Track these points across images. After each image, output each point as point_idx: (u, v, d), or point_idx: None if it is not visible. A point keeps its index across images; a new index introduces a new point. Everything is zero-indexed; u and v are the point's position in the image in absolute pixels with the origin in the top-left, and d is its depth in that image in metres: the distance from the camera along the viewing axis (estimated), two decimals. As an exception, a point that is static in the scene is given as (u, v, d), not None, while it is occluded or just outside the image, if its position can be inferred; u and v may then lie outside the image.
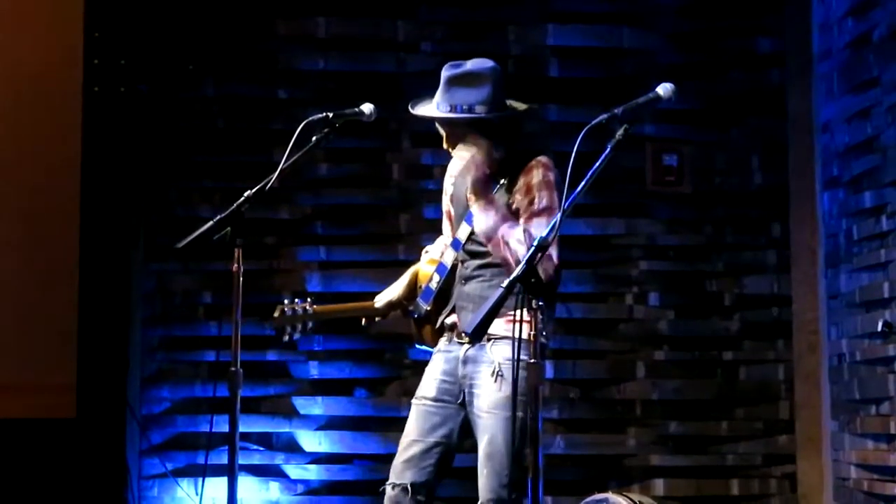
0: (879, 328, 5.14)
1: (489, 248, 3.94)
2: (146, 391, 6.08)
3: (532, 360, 3.22)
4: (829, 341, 6.01)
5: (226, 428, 3.72)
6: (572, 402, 6.14)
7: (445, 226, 4.27)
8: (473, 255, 4.04)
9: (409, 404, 4.13)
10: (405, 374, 6.05)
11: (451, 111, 3.96)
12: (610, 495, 4.77)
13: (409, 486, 3.97)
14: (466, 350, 4.01)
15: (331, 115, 3.94)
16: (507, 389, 3.85)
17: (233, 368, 3.74)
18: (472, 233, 4.04)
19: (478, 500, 3.93)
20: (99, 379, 5.91)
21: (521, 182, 3.96)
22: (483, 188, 3.95)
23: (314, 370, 6.11)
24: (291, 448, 6.08)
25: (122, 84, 6.04)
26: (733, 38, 6.30)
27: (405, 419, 4.12)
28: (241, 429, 3.86)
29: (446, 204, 4.24)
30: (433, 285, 4.13)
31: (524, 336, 3.21)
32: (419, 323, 4.19)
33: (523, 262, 3.18)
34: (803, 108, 6.19)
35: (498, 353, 3.92)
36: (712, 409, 6.18)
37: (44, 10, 5.98)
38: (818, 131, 6.12)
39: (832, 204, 6.00)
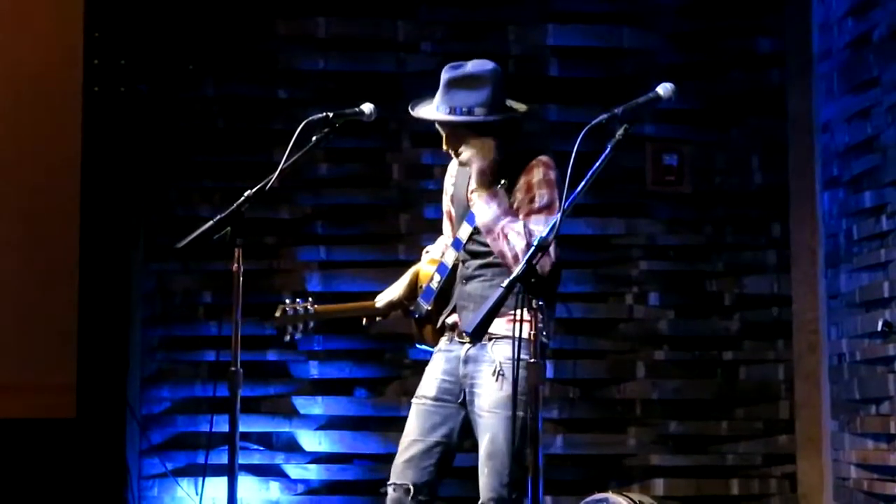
0: (879, 328, 5.15)
1: (488, 240, 3.95)
2: (146, 391, 6.08)
3: (532, 360, 3.22)
4: (829, 341, 6.01)
5: (226, 428, 3.72)
6: (572, 402, 6.14)
7: (446, 226, 4.27)
8: (475, 254, 4.05)
9: (409, 404, 4.13)
10: (405, 374, 6.06)
11: (450, 113, 3.96)
12: (610, 495, 4.77)
13: (410, 487, 3.97)
14: (467, 349, 4.01)
15: (331, 114, 3.94)
16: (508, 389, 3.86)
17: (233, 368, 3.74)
18: (473, 233, 4.04)
19: (478, 499, 3.94)
20: (99, 379, 5.91)
21: (521, 181, 3.96)
22: (488, 179, 3.95)
23: (314, 370, 6.11)
24: (291, 448, 6.08)
25: (122, 84, 6.04)
26: (733, 38, 6.31)
27: (405, 419, 4.12)
28: (242, 428, 3.86)
29: (446, 204, 4.25)
30: (434, 285, 4.13)
31: (525, 335, 3.21)
32: (420, 323, 4.20)
33: (523, 262, 3.18)
34: (803, 108, 6.19)
35: (499, 353, 3.92)
36: (712, 409, 6.18)
37: (44, 10, 5.98)
38: (818, 131, 6.12)
39: (832, 204, 6.00)
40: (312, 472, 6.07)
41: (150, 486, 6.04)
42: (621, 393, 6.17)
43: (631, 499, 4.72)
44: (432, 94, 4.02)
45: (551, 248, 3.72)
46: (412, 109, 4.07)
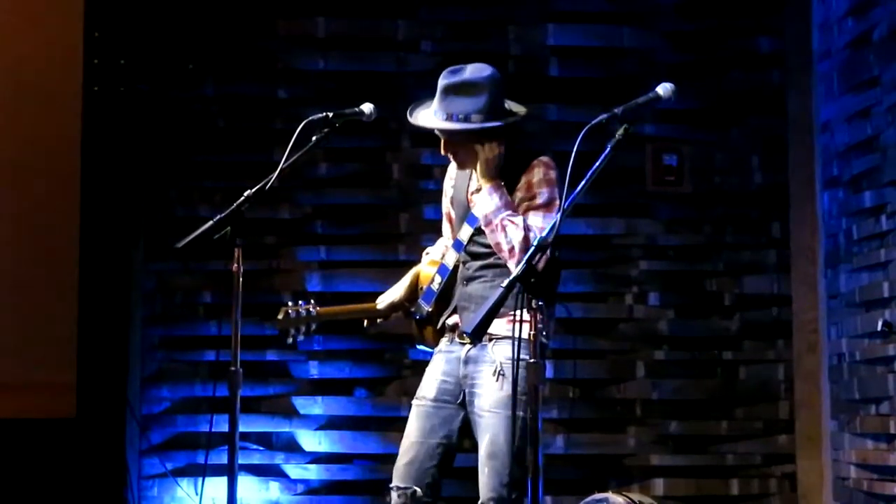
0: (879, 328, 5.14)
1: (486, 231, 3.95)
2: (146, 391, 6.08)
3: (532, 360, 3.22)
4: (828, 341, 6.01)
5: (226, 428, 3.72)
6: (572, 402, 6.14)
7: (445, 228, 4.28)
8: (475, 256, 4.05)
9: (409, 404, 4.13)
10: (405, 374, 6.06)
11: (447, 120, 3.96)
12: (610, 495, 4.77)
13: (414, 491, 3.98)
14: (468, 350, 4.02)
15: (331, 114, 3.94)
16: (507, 389, 3.86)
17: (233, 368, 3.74)
18: (473, 234, 4.05)
19: (478, 499, 3.94)
20: (99, 379, 5.91)
21: (522, 181, 3.97)
22: (493, 171, 3.95)
23: (314, 370, 6.11)
24: (291, 448, 6.09)
25: (122, 84, 6.04)
26: (733, 38, 6.31)
27: (405, 419, 4.12)
28: (241, 428, 3.86)
29: (446, 206, 4.25)
30: (435, 286, 4.14)
31: (525, 336, 3.21)
32: (421, 324, 4.20)
33: (523, 262, 3.18)
34: (803, 107, 6.19)
35: (499, 353, 3.92)
36: (712, 409, 6.18)
37: (44, 10, 5.99)
38: (818, 131, 6.12)
39: (832, 203, 6.00)
40: (312, 472, 6.07)
41: (150, 486, 6.04)
42: (621, 393, 6.17)
43: (631, 499, 4.72)
44: (431, 96, 4.02)
45: (537, 233, 3.75)
46: (410, 115, 4.08)
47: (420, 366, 4.25)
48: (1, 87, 5.90)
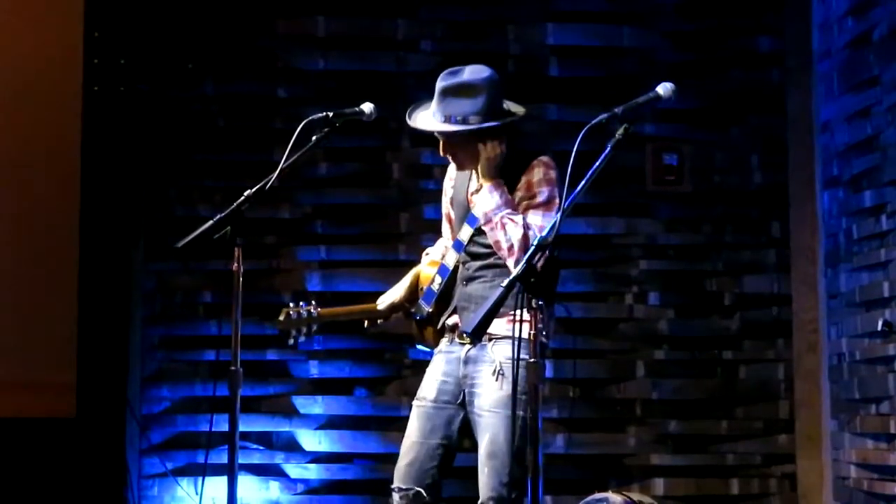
0: (879, 327, 5.14)
1: (486, 230, 3.95)
2: (146, 390, 6.08)
3: (532, 360, 3.22)
4: (828, 341, 6.01)
5: (226, 427, 3.73)
6: (572, 402, 6.14)
7: (445, 228, 4.28)
8: (475, 256, 4.05)
9: (410, 404, 4.14)
10: (405, 374, 6.06)
11: (445, 122, 3.96)
12: (610, 494, 4.77)
13: (416, 491, 3.98)
14: (467, 350, 4.02)
15: (331, 114, 3.94)
16: (507, 388, 3.86)
17: (233, 368, 3.75)
18: (473, 234, 4.05)
19: (478, 499, 3.94)
20: (99, 378, 5.91)
21: (522, 181, 3.98)
22: (495, 169, 3.95)
23: (314, 369, 6.11)
24: (291, 447, 6.09)
25: (122, 83, 6.05)
26: (733, 38, 6.31)
27: (405, 418, 4.12)
28: (241, 428, 3.86)
29: (446, 206, 4.25)
30: (435, 287, 4.14)
31: (524, 335, 3.21)
32: (421, 324, 4.20)
33: (523, 262, 3.18)
34: (803, 107, 6.19)
35: (499, 353, 3.93)
36: (712, 409, 6.18)
37: (44, 10, 5.98)
38: (818, 130, 6.12)
39: (832, 203, 6.00)
40: (312, 472, 6.07)
41: (150, 486, 6.05)
42: (621, 393, 6.17)
43: (631, 498, 4.72)
44: (431, 97, 4.02)
45: (536, 231, 3.75)
46: (409, 118, 4.08)
47: (420, 366, 4.25)
48: (1, 87, 5.90)
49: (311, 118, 3.91)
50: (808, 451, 6.09)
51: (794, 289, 6.18)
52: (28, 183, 5.89)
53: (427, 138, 4.12)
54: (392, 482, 4.05)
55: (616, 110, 3.33)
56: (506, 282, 3.16)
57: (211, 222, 3.74)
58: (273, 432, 6.10)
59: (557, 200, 3.91)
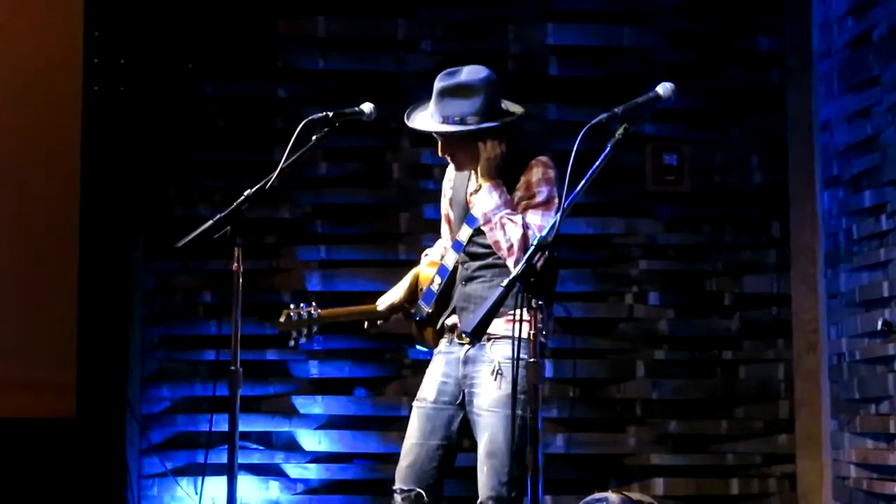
0: (879, 327, 5.14)
1: (485, 230, 3.95)
2: (146, 390, 6.08)
3: (532, 359, 3.22)
4: (828, 340, 6.01)
5: (225, 427, 3.73)
6: (572, 402, 6.14)
7: (444, 229, 4.29)
8: (474, 256, 4.06)
9: (409, 404, 4.14)
10: (405, 374, 6.06)
11: (443, 122, 3.97)
12: (609, 494, 4.78)
13: (417, 493, 3.99)
14: (466, 351, 4.02)
15: (331, 114, 3.94)
16: (506, 388, 3.87)
17: (232, 367, 3.75)
18: (472, 234, 4.05)
19: (478, 498, 3.94)
20: (99, 378, 5.92)
21: (521, 181, 3.98)
22: (494, 169, 3.95)
23: (314, 369, 6.11)
24: (291, 447, 6.09)
25: (122, 83, 6.05)
26: (733, 37, 6.31)
27: (405, 418, 4.13)
28: (241, 428, 3.87)
29: (445, 207, 4.26)
30: (435, 287, 4.14)
31: (524, 335, 3.21)
32: (421, 325, 4.21)
33: (523, 262, 3.18)
34: (803, 107, 6.19)
35: (498, 353, 3.93)
36: (712, 409, 6.18)
37: (43, 10, 5.98)
38: (818, 130, 6.12)
39: (832, 203, 6.00)
40: (312, 472, 6.07)
41: (150, 486, 6.05)
42: (621, 392, 6.17)
43: (630, 498, 4.73)
44: (429, 97, 4.02)
45: (536, 231, 3.75)
46: (407, 118, 4.08)
47: (420, 365, 4.25)
48: (1, 87, 5.90)
49: (311, 118, 3.91)
50: (808, 451, 6.09)
51: (794, 289, 6.18)
52: (28, 183, 5.89)
53: (427, 138, 4.12)
54: (392, 482, 4.06)
55: (616, 110, 3.33)
56: (505, 282, 3.16)
57: (211, 222, 3.74)
58: (273, 432, 6.10)
59: (556, 200, 3.91)
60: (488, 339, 3.92)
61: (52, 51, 5.96)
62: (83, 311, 5.89)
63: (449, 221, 4.23)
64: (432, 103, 3.98)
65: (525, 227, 3.87)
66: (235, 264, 3.75)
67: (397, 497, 4.03)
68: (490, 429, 3.91)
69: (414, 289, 4.25)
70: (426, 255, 4.34)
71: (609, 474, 6.05)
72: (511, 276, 3.17)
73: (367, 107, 4.03)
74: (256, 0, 6.23)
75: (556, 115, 6.20)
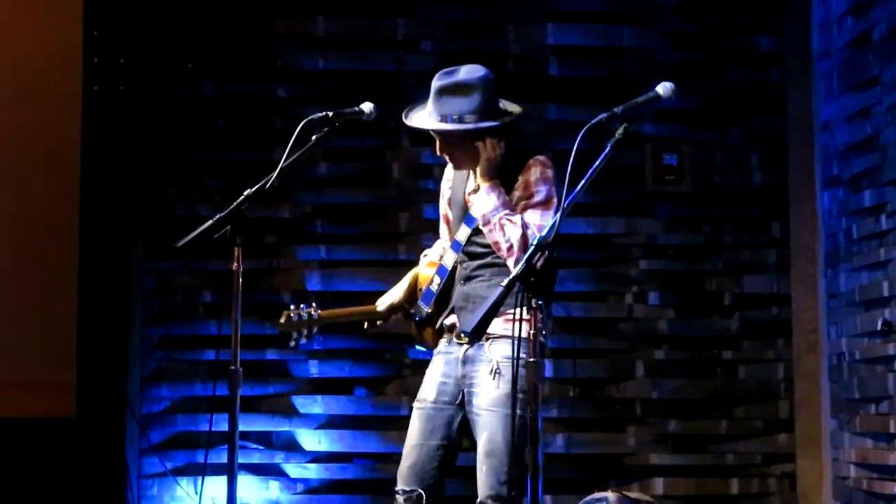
0: (879, 327, 5.15)
1: (484, 231, 3.95)
2: (146, 390, 6.08)
3: (531, 359, 3.22)
4: (828, 340, 6.01)
5: (225, 427, 3.73)
6: (572, 402, 6.14)
7: (443, 230, 4.29)
8: (473, 255, 4.06)
9: (409, 403, 4.15)
10: (405, 374, 6.06)
11: (441, 121, 3.97)
12: (609, 494, 4.77)
13: (418, 494, 3.99)
14: (465, 350, 4.02)
15: (331, 113, 3.94)
16: (505, 387, 3.87)
17: (232, 367, 3.75)
18: (471, 234, 4.05)
19: (477, 498, 3.94)
20: (99, 378, 5.92)
21: (519, 180, 3.98)
22: (493, 169, 3.96)
23: (314, 369, 6.11)
24: (291, 447, 6.09)
25: (121, 83, 6.04)
26: (733, 37, 6.31)
27: (405, 418, 4.13)
28: (241, 428, 3.87)
29: (444, 207, 4.26)
30: (434, 287, 4.15)
31: (523, 335, 3.21)
32: (420, 325, 4.21)
33: (523, 262, 3.18)
34: (803, 106, 6.19)
35: (496, 352, 3.93)
36: (712, 409, 6.18)
37: (43, 9, 5.98)
38: (818, 130, 6.12)
39: (832, 203, 6.00)
40: (312, 472, 6.07)
41: (150, 486, 6.05)
42: (621, 392, 6.17)
43: (630, 498, 4.72)
44: (428, 97, 4.02)
45: (535, 230, 3.75)
46: (405, 117, 4.08)
47: (420, 365, 4.25)
48: (1, 87, 5.90)
49: (310, 118, 3.91)
50: (807, 451, 6.09)
51: (794, 289, 6.18)
52: (28, 183, 5.89)
53: (427, 138, 4.12)
54: (392, 482, 4.07)
55: (616, 110, 3.33)
56: (505, 281, 3.16)
57: (211, 222, 3.74)
58: (273, 432, 6.10)
59: (555, 199, 3.92)
60: (487, 339, 3.93)
61: (52, 51, 5.95)
62: (83, 311, 5.89)
63: (447, 221, 4.23)
64: (430, 102, 3.99)
65: (524, 226, 3.88)
66: (235, 264, 3.75)
67: (399, 498, 4.04)
68: (489, 428, 3.91)
69: (413, 289, 4.26)
70: (425, 255, 4.34)
71: (609, 474, 6.05)
72: (511, 276, 3.17)
73: (366, 106, 4.03)
74: (256, 0, 6.23)
75: (556, 115, 6.21)
